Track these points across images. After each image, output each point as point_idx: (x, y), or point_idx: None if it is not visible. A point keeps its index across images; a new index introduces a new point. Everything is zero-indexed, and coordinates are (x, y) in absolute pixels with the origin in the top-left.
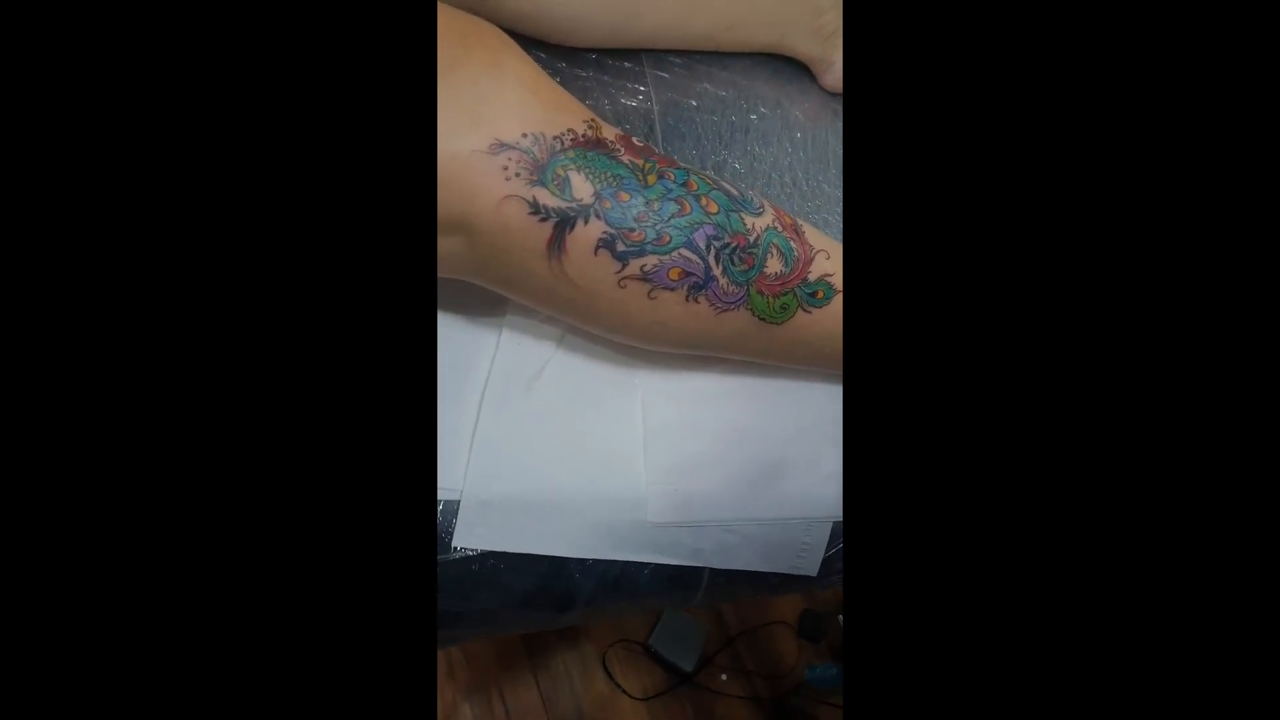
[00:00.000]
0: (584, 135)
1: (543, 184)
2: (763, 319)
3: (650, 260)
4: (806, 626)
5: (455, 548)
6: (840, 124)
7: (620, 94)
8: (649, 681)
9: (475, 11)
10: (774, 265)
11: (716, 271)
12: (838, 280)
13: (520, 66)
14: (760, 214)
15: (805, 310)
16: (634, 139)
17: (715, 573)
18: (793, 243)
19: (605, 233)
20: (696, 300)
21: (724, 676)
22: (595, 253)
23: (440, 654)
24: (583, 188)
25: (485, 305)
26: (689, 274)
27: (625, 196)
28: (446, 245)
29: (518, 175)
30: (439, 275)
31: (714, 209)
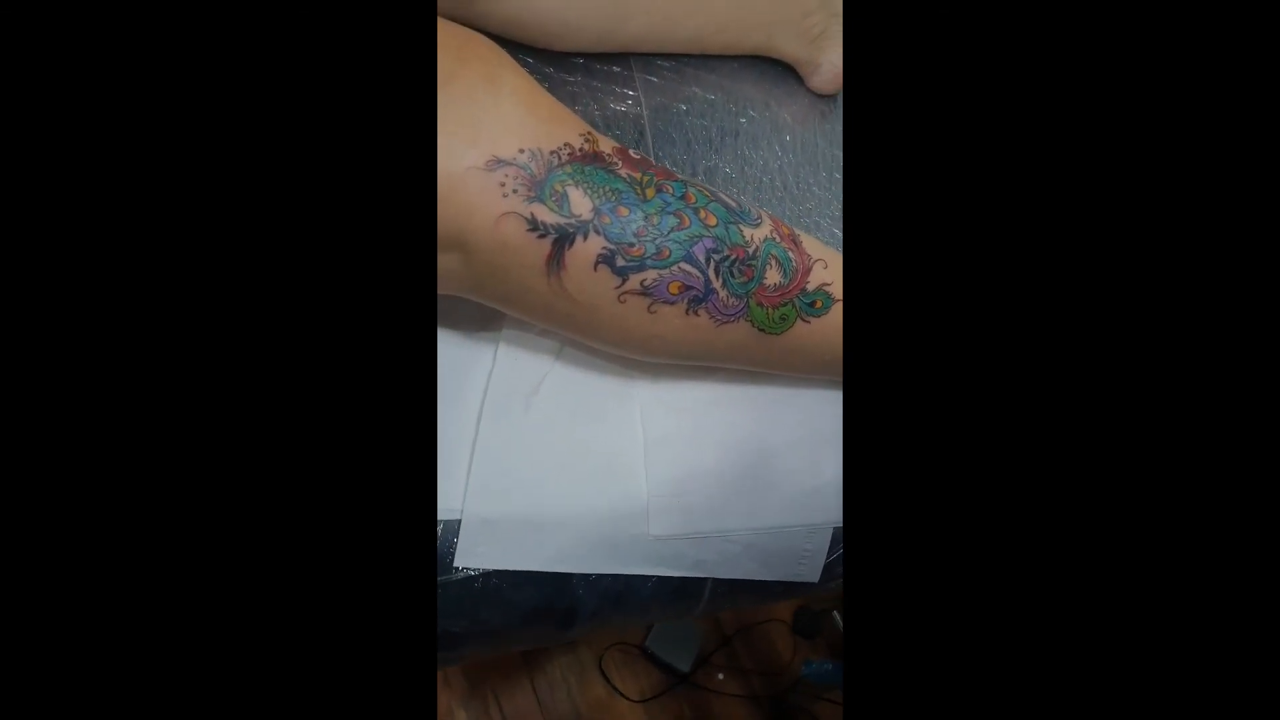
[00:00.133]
0: (581, 149)
1: (541, 200)
2: (762, 330)
3: (650, 275)
4: (802, 624)
5: (457, 567)
6: (829, 126)
7: (609, 99)
8: (646, 683)
9: (460, 17)
10: (773, 276)
11: (716, 284)
12: (836, 289)
13: (516, 80)
14: (758, 225)
15: (804, 320)
16: (631, 151)
17: (718, 582)
18: (791, 253)
19: (604, 248)
20: (696, 313)
21: (721, 676)
22: (595, 268)
23: None
24: (581, 203)
25: (481, 320)
26: (689, 288)
27: (624, 211)
28: (442, 262)
29: (515, 192)
30: (436, 293)
31: (713, 221)
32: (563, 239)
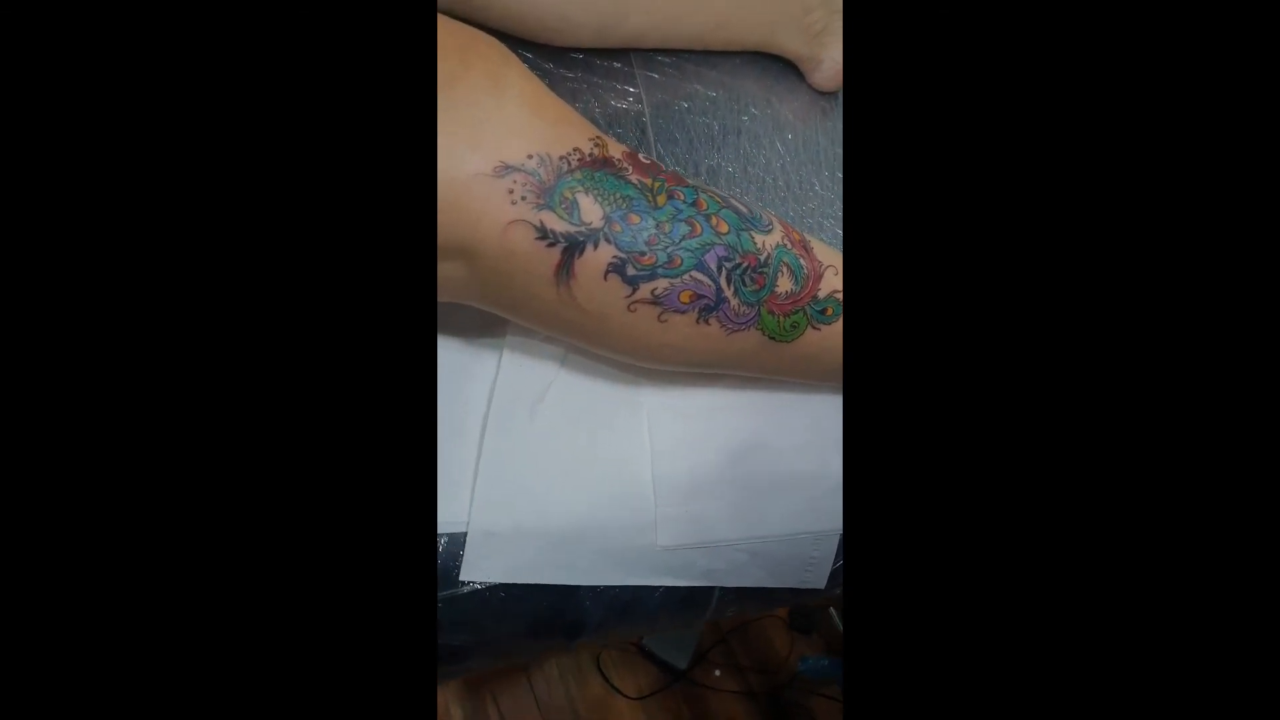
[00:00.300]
0: (590, 154)
1: (550, 208)
2: (772, 338)
3: (661, 284)
4: (798, 620)
5: (463, 581)
6: (830, 123)
7: (610, 96)
8: (644, 680)
9: (458, 12)
10: (784, 284)
11: (728, 293)
12: None
13: (523, 82)
14: (770, 231)
15: (815, 328)
16: (640, 155)
17: (725, 590)
18: (802, 260)
19: (615, 257)
20: (707, 322)
21: (718, 673)
22: (605, 277)
23: None
24: (591, 211)
25: (484, 325)
26: (700, 296)
27: (635, 219)
28: (447, 270)
29: (523, 199)
30: (439, 300)
31: (724, 229)
32: (572, 247)
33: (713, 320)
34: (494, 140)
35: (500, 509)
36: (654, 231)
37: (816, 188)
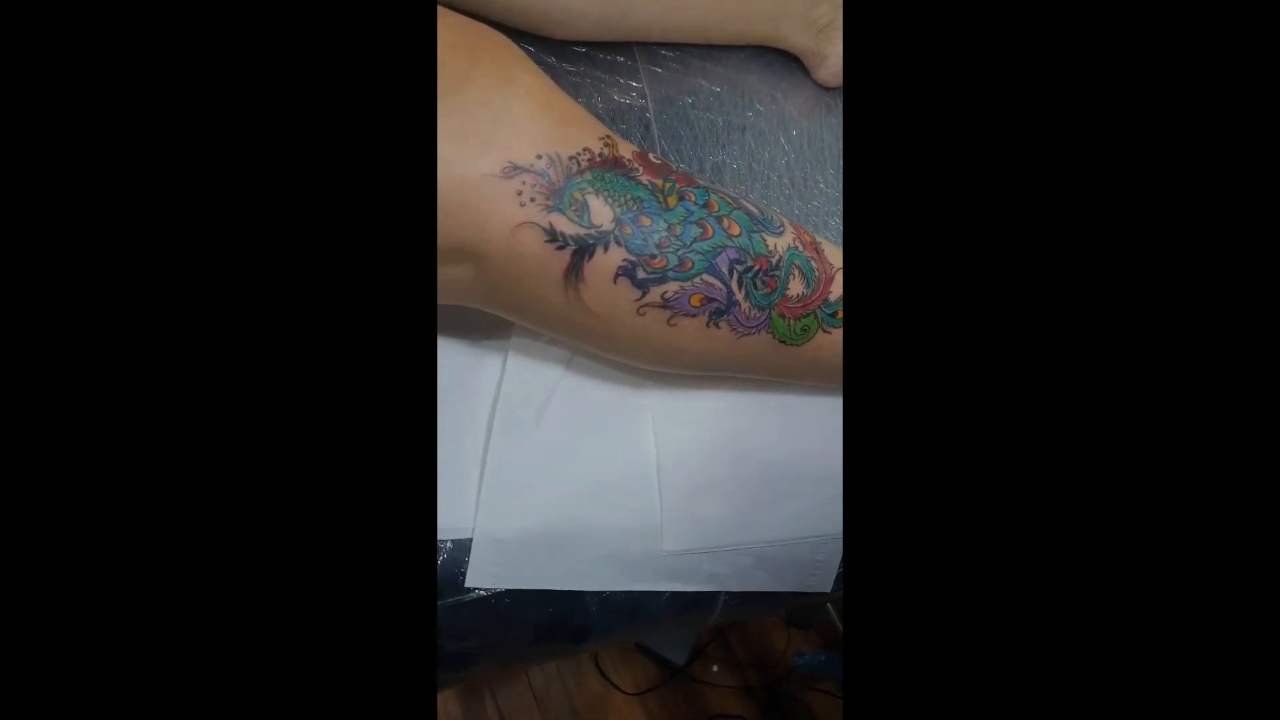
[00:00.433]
0: (601, 154)
1: (560, 210)
2: (783, 341)
3: (672, 287)
4: (795, 615)
5: (468, 588)
6: (834, 119)
7: (613, 90)
8: (641, 676)
9: (461, 4)
10: (796, 287)
11: (739, 296)
12: None
13: (532, 80)
14: (781, 233)
15: (825, 331)
16: (650, 155)
17: (730, 594)
18: (814, 262)
19: (626, 260)
20: (717, 325)
21: (715, 668)
22: (615, 281)
23: None
24: (602, 213)
25: (488, 328)
26: (711, 299)
27: (646, 221)
28: (453, 273)
29: (533, 200)
30: (443, 303)
31: (736, 231)
32: (582, 250)
33: (723, 324)
34: (503, 140)
35: (506, 514)
36: (665, 234)
37: (821, 185)
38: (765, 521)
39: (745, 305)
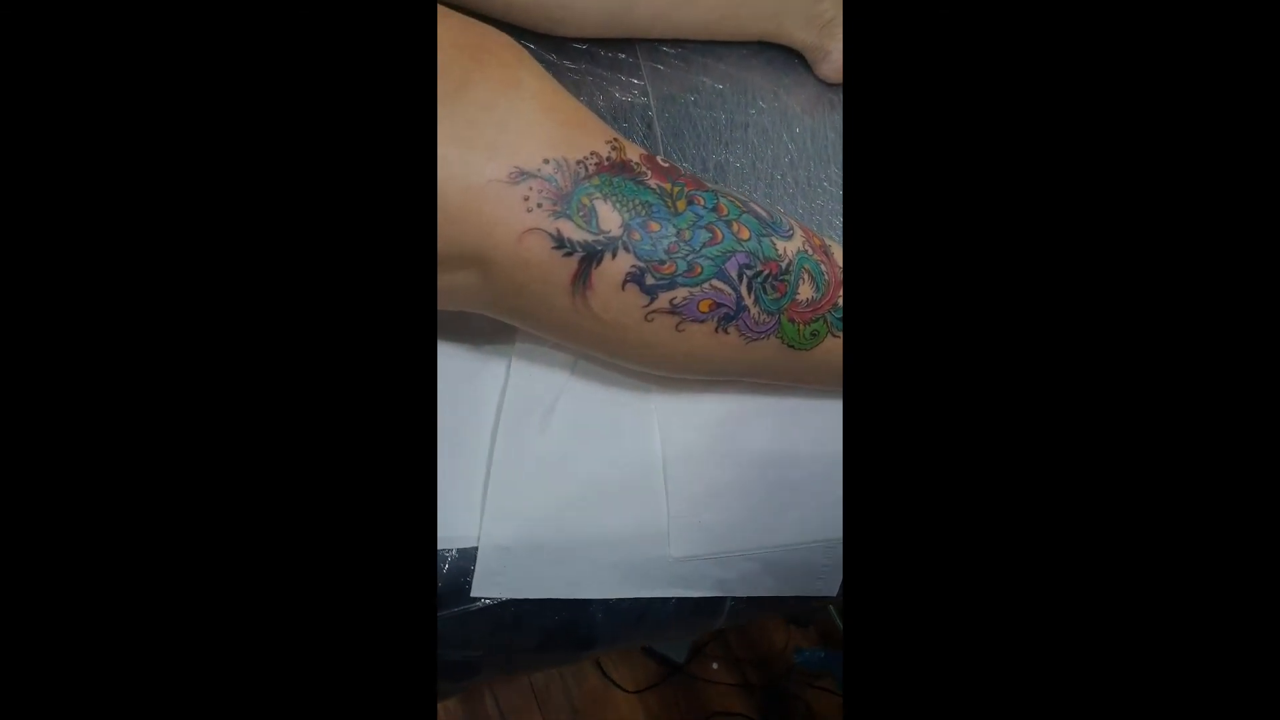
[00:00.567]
0: (608, 158)
1: (567, 215)
2: (792, 346)
3: (680, 293)
4: (795, 612)
5: (474, 598)
6: (837, 116)
7: (615, 88)
8: (641, 674)
9: (461, 2)
10: (806, 291)
11: (748, 301)
12: None
13: (538, 83)
14: (790, 237)
15: (834, 335)
16: (658, 158)
17: (736, 599)
18: (823, 266)
19: (634, 266)
20: (726, 331)
21: (715, 665)
22: (623, 287)
23: None
24: (610, 218)
25: (491, 333)
26: (720, 305)
27: (655, 227)
28: (458, 279)
29: (540, 206)
30: (447, 309)
31: (745, 235)
32: (590, 257)
33: (731, 329)
34: (509, 145)
35: (512, 523)
36: (674, 239)
37: (825, 183)
38: (773, 526)
39: (755, 311)
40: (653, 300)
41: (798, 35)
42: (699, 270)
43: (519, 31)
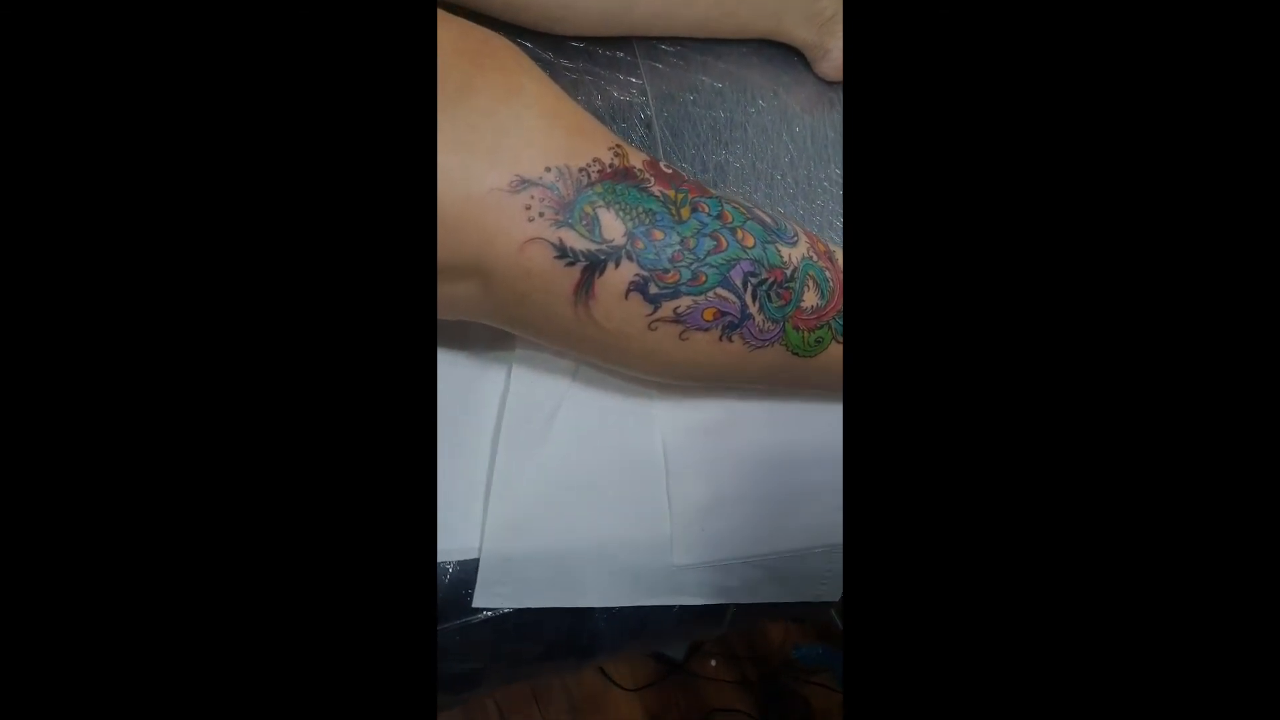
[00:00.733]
0: (611, 165)
1: (569, 225)
2: (796, 353)
3: (684, 302)
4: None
5: (476, 609)
6: (836, 115)
7: (613, 87)
8: (640, 672)
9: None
10: (810, 298)
11: (753, 309)
12: None
13: (539, 88)
14: (795, 243)
15: (838, 341)
16: (661, 164)
17: (740, 606)
18: (828, 272)
19: (638, 275)
20: (730, 339)
21: (714, 663)
22: (626, 296)
23: None
24: (613, 227)
25: (490, 339)
26: (724, 313)
27: (659, 235)
28: (458, 289)
29: (541, 215)
30: (447, 318)
31: (750, 242)
32: (593, 266)
33: (736, 337)
34: (511, 153)
35: (514, 533)
36: (678, 248)
37: (825, 183)
38: (777, 533)
39: (759, 318)
40: (656, 309)
41: (797, 33)
42: (703, 279)
43: (516, 30)
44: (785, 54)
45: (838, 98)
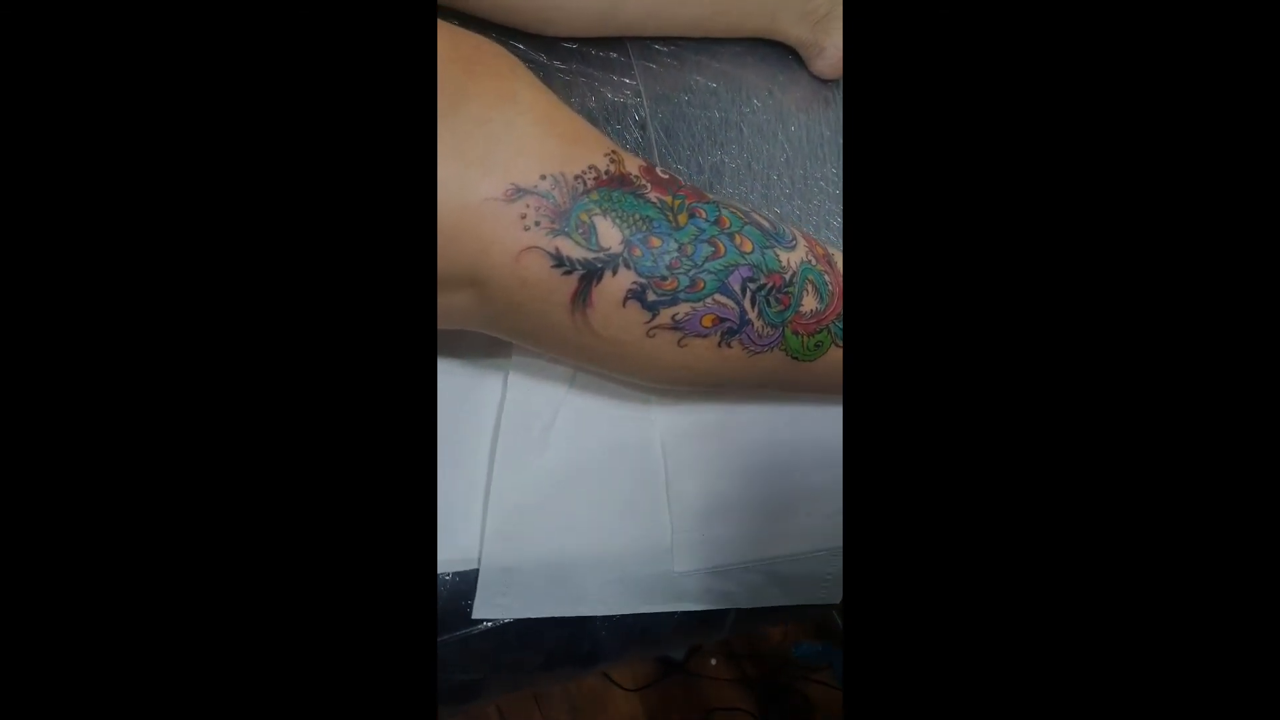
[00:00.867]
0: (607, 172)
1: (566, 233)
2: (795, 358)
3: (683, 308)
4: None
5: (475, 620)
6: (832, 113)
7: (607, 88)
8: (640, 672)
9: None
10: (809, 303)
11: (752, 315)
12: None
13: (533, 95)
14: (793, 247)
15: (838, 345)
16: (658, 169)
17: (741, 610)
18: (827, 276)
19: (635, 283)
20: (729, 345)
21: (714, 661)
22: (624, 304)
23: None
24: (610, 235)
25: (487, 346)
26: (723, 319)
27: (656, 242)
28: (455, 299)
29: (537, 224)
30: (443, 328)
31: (748, 248)
32: (590, 274)
33: (734, 343)
34: (505, 162)
35: (513, 542)
36: (676, 254)
37: (821, 182)
38: (777, 537)
39: (758, 324)
40: (654, 316)
41: (792, 31)
42: (701, 285)
43: (508, 32)
44: (780, 53)
45: (833, 96)
